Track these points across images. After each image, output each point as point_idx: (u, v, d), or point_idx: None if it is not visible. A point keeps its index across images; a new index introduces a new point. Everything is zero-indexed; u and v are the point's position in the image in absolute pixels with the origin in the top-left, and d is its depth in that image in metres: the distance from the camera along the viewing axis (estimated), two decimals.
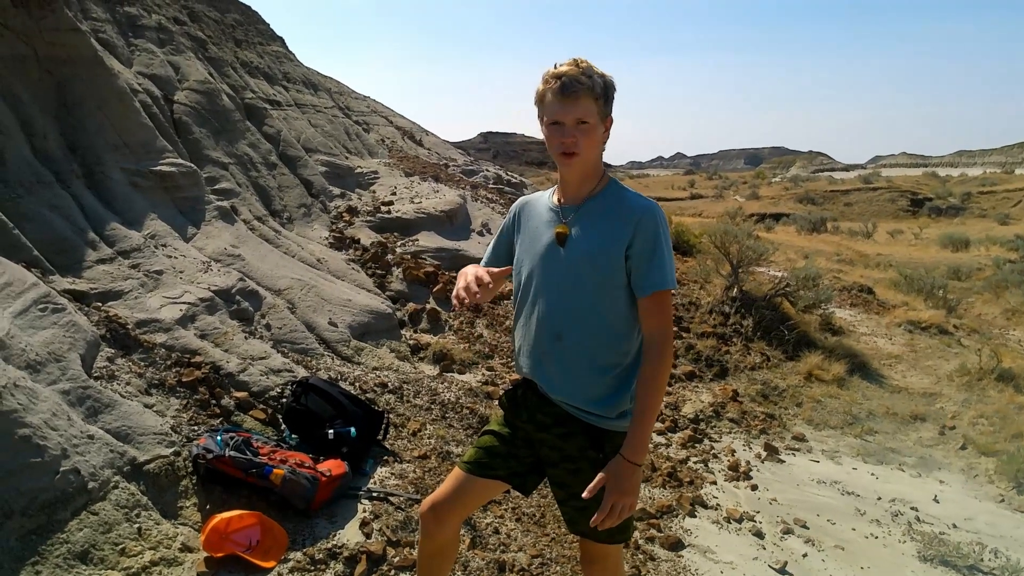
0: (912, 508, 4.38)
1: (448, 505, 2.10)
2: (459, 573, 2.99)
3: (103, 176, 4.81)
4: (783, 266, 11.45)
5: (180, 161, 5.60)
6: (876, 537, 3.98)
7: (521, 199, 2.21)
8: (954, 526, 4.19)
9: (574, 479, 2.01)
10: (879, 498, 4.51)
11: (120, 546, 2.63)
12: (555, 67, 1.88)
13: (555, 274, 1.97)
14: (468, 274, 1.95)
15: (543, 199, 2.12)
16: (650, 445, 4.90)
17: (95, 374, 3.34)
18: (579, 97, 1.84)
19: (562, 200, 2.03)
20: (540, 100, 1.92)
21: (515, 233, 2.15)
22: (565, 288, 1.96)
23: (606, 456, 1.97)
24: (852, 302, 9.90)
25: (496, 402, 4.93)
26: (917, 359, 7.63)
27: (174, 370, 3.74)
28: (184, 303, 4.31)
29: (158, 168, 5.28)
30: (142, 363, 3.66)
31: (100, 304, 3.91)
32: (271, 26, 11.39)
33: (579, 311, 1.95)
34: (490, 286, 1.92)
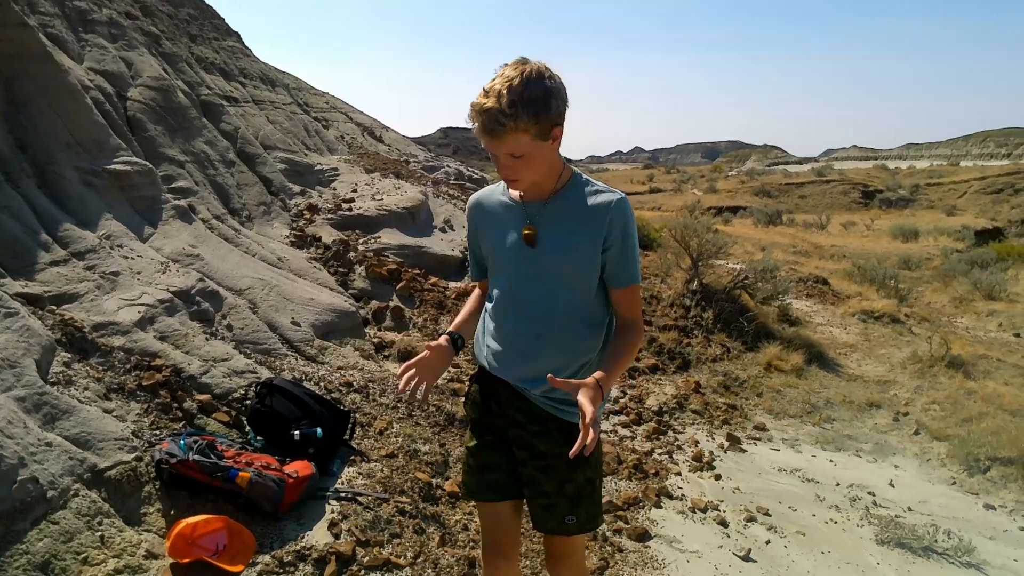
0: (869, 493, 4.52)
1: (505, 538, 2.15)
2: (429, 571, 3.00)
3: (55, 175, 4.67)
4: (741, 259, 11.65)
5: (135, 159, 5.46)
6: (835, 522, 4.10)
7: (472, 198, 2.15)
8: (909, 509, 4.34)
9: (544, 476, 2.03)
10: (838, 484, 4.64)
11: (82, 555, 2.57)
12: (482, 91, 1.72)
13: (530, 274, 1.95)
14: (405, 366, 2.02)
15: (495, 194, 2.07)
16: (615, 438, 4.96)
17: (51, 380, 3.25)
18: (503, 135, 1.72)
19: (523, 196, 1.98)
20: None
21: (479, 233, 2.12)
22: (542, 288, 1.94)
23: None
24: (808, 293, 10.13)
25: (463, 402, 4.93)
26: (871, 348, 7.86)
27: (134, 374, 3.66)
28: (142, 305, 4.21)
29: (112, 167, 5.15)
30: (100, 367, 3.58)
31: (55, 307, 3.81)
32: (226, 21, 11.18)
33: (558, 309, 1.94)
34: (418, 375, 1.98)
